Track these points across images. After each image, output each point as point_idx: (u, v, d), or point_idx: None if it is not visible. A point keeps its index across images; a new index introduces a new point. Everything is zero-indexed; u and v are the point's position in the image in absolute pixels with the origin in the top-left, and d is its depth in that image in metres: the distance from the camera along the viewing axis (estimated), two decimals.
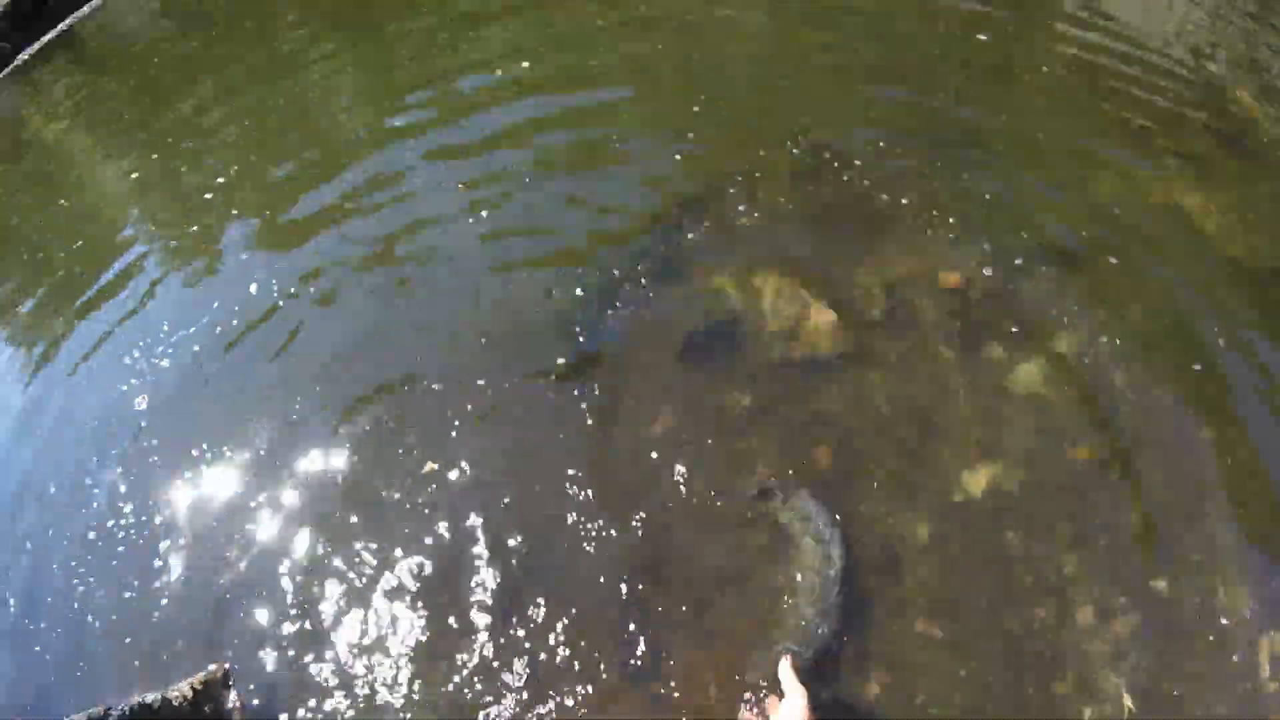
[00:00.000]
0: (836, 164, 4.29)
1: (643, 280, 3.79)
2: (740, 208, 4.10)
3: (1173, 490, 2.92)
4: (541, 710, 2.63)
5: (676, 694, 2.61)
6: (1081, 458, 3.03)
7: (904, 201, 4.05)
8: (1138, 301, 3.59)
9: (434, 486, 3.22)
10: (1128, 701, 2.44)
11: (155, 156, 6.07)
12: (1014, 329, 3.50)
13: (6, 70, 9.66)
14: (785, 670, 2.46)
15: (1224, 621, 2.59)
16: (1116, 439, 3.09)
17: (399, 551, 3.07)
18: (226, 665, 2.90)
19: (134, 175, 6.00)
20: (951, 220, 3.94)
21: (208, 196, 5.32)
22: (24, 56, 9.78)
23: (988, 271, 3.70)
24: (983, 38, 5.39)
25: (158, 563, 3.27)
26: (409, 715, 2.69)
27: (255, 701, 2.83)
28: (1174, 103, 4.82)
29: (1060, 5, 5.99)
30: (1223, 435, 3.08)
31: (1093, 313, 3.54)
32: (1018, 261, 3.76)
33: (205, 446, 3.59)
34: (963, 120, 4.71)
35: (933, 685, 2.53)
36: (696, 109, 4.89)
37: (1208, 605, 2.63)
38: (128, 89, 7.46)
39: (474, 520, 3.08)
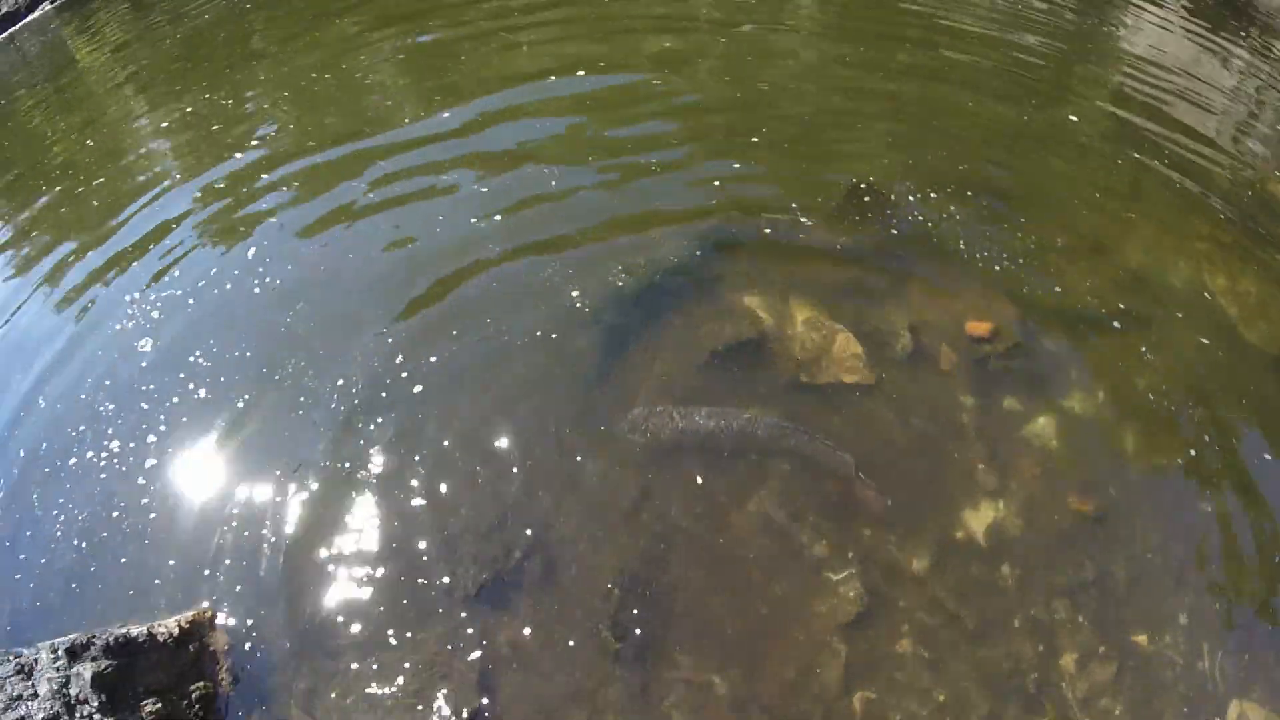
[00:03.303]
0: (882, 206, 4.44)
1: (677, 289, 3.93)
2: (782, 235, 4.26)
3: (1165, 553, 3.03)
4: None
5: None
6: (1081, 510, 3.15)
7: (942, 249, 4.20)
8: (1154, 371, 3.71)
9: (431, 447, 3.34)
10: None
11: (189, 105, 6.11)
12: (1032, 382, 3.63)
13: None
14: None
15: (1197, 680, 2.69)
16: (1117, 498, 3.21)
17: (394, 508, 3.17)
18: (212, 610, 2.86)
19: (163, 118, 6.04)
20: (985, 271, 4.08)
21: (237, 156, 5.38)
22: None
23: (1014, 324, 3.82)
24: (1033, 101, 5.54)
25: (148, 488, 3.33)
26: (394, 668, 2.80)
27: (243, 645, 2.85)
28: (1210, 185, 4.94)
29: (1113, 62, 6.12)
30: (1220, 508, 3.18)
31: (1110, 376, 3.67)
32: (1044, 317, 3.90)
33: (205, 389, 3.67)
34: (1007, 177, 4.86)
35: (913, 705, 2.64)
36: (755, 139, 5.05)
37: (1183, 663, 2.73)
38: (175, 36, 7.47)
39: (465, 484, 3.22)
